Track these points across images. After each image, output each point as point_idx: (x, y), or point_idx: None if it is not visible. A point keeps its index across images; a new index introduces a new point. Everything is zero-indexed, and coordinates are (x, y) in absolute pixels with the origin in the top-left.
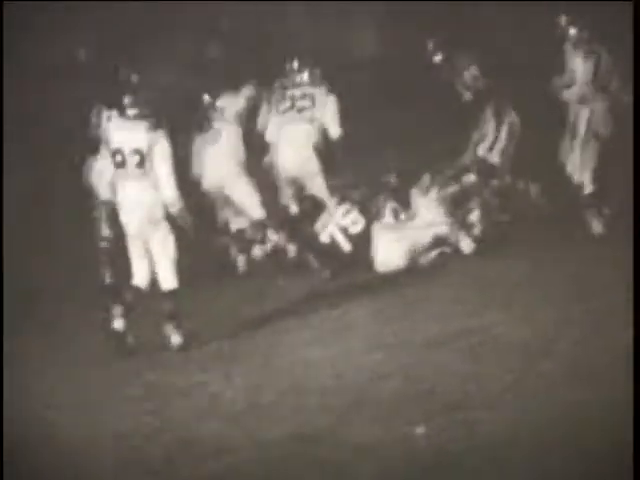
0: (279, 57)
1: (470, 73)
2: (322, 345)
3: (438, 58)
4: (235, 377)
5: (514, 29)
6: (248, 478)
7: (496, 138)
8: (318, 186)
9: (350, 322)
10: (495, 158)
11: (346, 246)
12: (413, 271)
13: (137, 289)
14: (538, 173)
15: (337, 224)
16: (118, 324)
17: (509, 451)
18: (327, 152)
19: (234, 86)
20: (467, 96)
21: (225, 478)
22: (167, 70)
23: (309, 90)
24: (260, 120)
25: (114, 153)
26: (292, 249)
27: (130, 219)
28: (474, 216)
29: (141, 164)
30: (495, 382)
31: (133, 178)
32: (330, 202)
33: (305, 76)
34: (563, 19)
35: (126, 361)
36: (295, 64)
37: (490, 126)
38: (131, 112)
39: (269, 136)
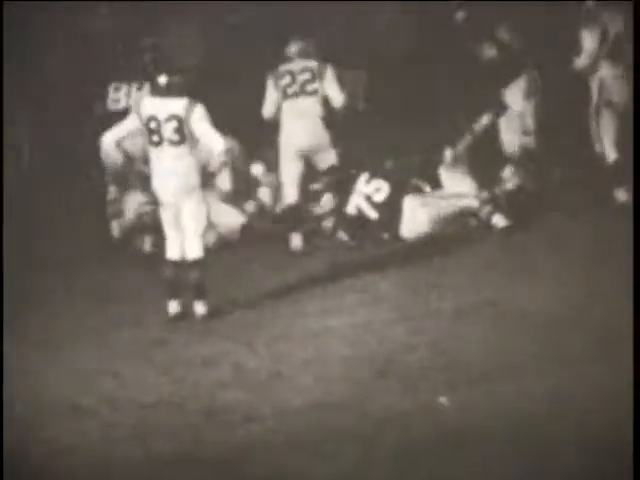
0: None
1: (499, 31)
2: (346, 315)
3: (461, 16)
4: (259, 347)
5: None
6: (272, 447)
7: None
8: (330, 160)
9: (375, 292)
10: (527, 120)
11: (372, 214)
12: (439, 242)
13: (173, 263)
14: (561, 141)
15: (361, 193)
16: (173, 307)
17: (531, 423)
18: (340, 123)
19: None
20: (492, 53)
21: (249, 447)
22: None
23: (307, 63)
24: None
25: (148, 120)
26: (297, 238)
27: (164, 187)
28: (503, 186)
29: (179, 129)
30: (520, 353)
31: (168, 145)
32: (342, 175)
33: (296, 48)
34: None
35: (150, 330)
36: (295, 43)
37: (515, 86)
38: (165, 88)
39: (267, 113)
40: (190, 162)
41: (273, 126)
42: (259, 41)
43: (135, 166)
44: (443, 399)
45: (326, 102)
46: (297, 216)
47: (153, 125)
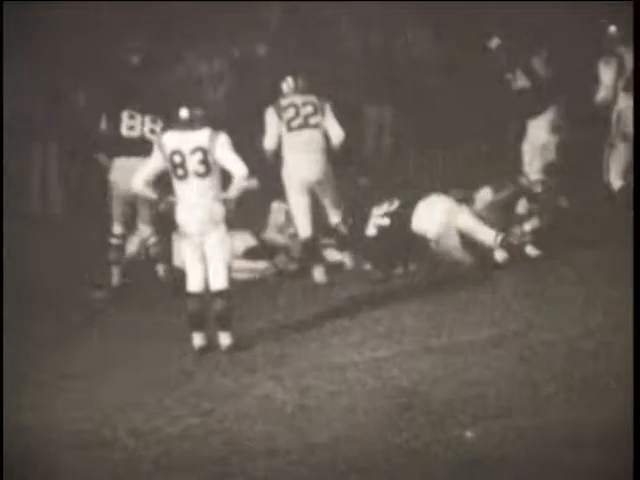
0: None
1: (534, 61)
2: (371, 348)
3: (495, 43)
4: (284, 379)
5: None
6: None
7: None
8: (332, 195)
9: (400, 325)
10: (549, 155)
11: (386, 221)
12: (463, 274)
13: (197, 295)
14: (579, 174)
15: (376, 215)
16: (198, 340)
17: (556, 456)
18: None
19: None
20: (524, 83)
21: None
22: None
23: (307, 97)
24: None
25: (171, 155)
26: (319, 271)
27: (190, 220)
28: (525, 221)
29: (204, 161)
30: (544, 387)
31: (194, 177)
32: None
33: (290, 83)
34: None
35: (175, 362)
36: (295, 78)
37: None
38: (186, 121)
39: (269, 145)
40: (216, 194)
41: (278, 159)
42: (273, 73)
43: (167, 197)
44: (469, 433)
45: (327, 136)
46: (315, 248)
47: (177, 159)
